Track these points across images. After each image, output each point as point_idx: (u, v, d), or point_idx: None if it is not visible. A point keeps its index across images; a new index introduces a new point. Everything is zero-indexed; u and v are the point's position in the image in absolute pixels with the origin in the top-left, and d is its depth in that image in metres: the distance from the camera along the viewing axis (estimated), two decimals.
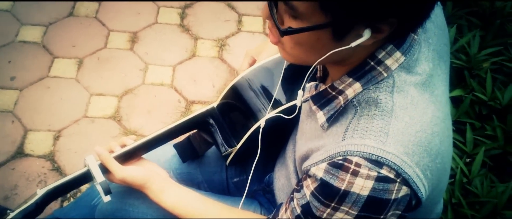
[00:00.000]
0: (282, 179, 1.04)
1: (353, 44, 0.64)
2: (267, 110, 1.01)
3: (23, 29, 2.24)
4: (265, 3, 0.68)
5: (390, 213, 0.67)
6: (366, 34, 0.63)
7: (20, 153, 1.80)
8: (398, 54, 0.69)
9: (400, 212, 0.68)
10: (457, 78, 1.74)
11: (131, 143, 1.01)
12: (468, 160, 1.52)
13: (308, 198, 0.71)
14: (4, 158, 1.78)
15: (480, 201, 1.39)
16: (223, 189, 1.23)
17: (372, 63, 0.70)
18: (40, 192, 0.92)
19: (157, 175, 0.99)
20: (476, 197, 1.40)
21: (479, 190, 1.39)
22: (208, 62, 2.22)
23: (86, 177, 0.96)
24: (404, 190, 0.66)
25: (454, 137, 1.59)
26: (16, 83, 2.02)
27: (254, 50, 1.19)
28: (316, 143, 0.76)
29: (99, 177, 0.93)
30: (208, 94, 2.09)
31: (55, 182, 0.94)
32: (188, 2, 2.47)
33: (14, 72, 2.06)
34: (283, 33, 0.65)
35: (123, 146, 1.02)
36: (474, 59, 1.72)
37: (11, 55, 2.12)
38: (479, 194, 1.39)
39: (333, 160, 0.67)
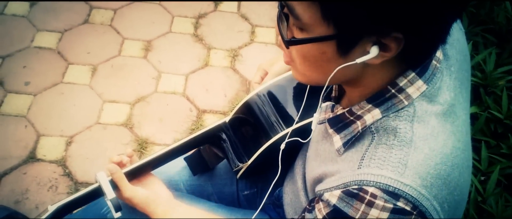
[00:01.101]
0: (290, 194, 1.03)
1: (359, 60, 0.63)
2: (280, 128, 1.00)
3: (38, 35, 2.26)
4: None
5: None
6: (373, 51, 0.62)
7: (32, 158, 1.81)
8: (420, 82, 0.68)
9: None
10: (472, 95, 1.72)
11: (138, 160, 1.01)
12: (482, 178, 1.50)
13: None
14: (16, 162, 1.79)
15: None
16: (233, 201, 1.22)
17: (393, 90, 0.68)
18: (51, 208, 0.92)
19: (160, 198, 0.98)
20: (491, 216, 1.38)
21: (494, 209, 1.37)
22: (220, 72, 2.23)
23: (97, 193, 0.96)
24: None
25: None
26: (30, 88, 2.04)
27: (266, 63, 1.19)
28: (330, 167, 0.75)
29: (109, 193, 0.93)
30: (220, 104, 2.09)
31: (66, 198, 0.94)
32: (202, 12, 2.49)
33: (28, 78, 2.08)
34: (287, 42, 0.66)
35: (130, 156, 1.03)
36: (490, 77, 1.71)
37: (26, 61, 2.15)
38: (494, 213, 1.37)
39: (348, 188, 0.66)
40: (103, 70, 2.16)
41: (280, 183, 1.13)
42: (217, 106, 2.09)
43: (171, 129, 1.98)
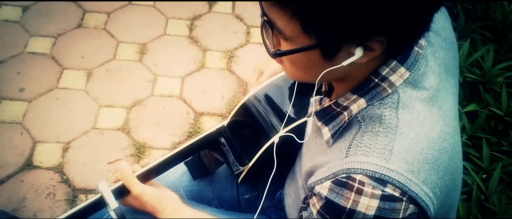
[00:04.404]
0: (292, 195, 1.03)
1: (345, 63, 0.64)
2: (278, 127, 0.99)
3: (32, 41, 2.23)
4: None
5: None
6: (358, 53, 0.63)
7: (28, 165, 1.79)
8: (402, 69, 0.69)
9: None
10: (471, 92, 1.73)
11: (138, 168, 1.00)
12: (484, 176, 1.50)
13: (315, 216, 0.70)
14: (13, 170, 1.77)
15: (498, 218, 1.37)
16: (234, 205, 1.21)
17: (376, 80, 0.69)
18: None
19: (170, 198, 0.98)
20: (494, 214, 1.38)
21: (497, 207, 1.37)
22: (216, 74, 2.21)
23: (99, 204, 0.94)
24: (412, 208, 0.64)
25: (470, 152, 1.56)
26: (25, 94, 2.02)
27: (262, 64, 1.18)
28: (320, 158, 0.76)
29: (112, 203, 0.91)
30: (217, 106, 2.08)
31: (68, 210, 0.92)
32: (196, 14, 2.47)
33: (23, 84, 2.05)
34: (272, 55, 0.68)
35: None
36: (488, 74, 1.70)
37: (20, 67, 2.12)
38: (497, 211, 1.37)
39: (337, 177, 0.66)
40: (98, 75, 2.13)
41: (281, 186, 1.13)
42: (214, 109, 2.07)
43: (169, 132, 1.96)
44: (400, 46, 0.67)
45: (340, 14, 0.58)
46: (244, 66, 2.26)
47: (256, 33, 2.42)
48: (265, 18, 0.66)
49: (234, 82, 2.18)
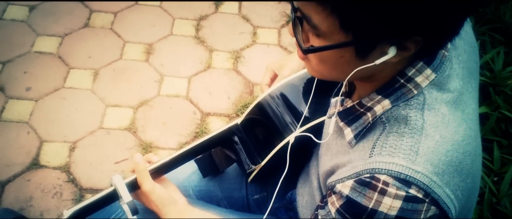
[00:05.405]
0: (305, 196, 1.02)
1: (378, 61, 0.63)
2: (294, 126, 0.98)
3: (39, 40, 2.23)
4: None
5: None
6: (391, 52, 0.62)
7: (35, 164, 1.78)
8: (428, 71, 0.69)
9: None
10: (482, 95, 1.72)
11: (157, 159, 0.99)
12: (495, 178, 1.49)
13: (333, 215, 0.70)
14: (20, 169, 1.76)
15: None
16: (243, 206, 1.21)
17: (402, 80, 0.69)
18: (67, 213, 0.90)
19: (175, 204, 0.97)
20: (506, 217, 1.37)
21: (509, 209, 1.36)
22: (223, 74, 2.20)
23: (112, 197, 0.94)
24: (433, 210, 0.64)
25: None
26: (32, 94, 2.01)
27: (275, 65, 1.17)
28: (342, 158, 0.75)
29: (126, 196, 0.91)
30: (223, 107, 2.07)
31: (81, 202, 0.92)
32: (203, 14, 2.47)
33: (29, 83, 2.05)
34: (305, 51, 0.66)
35: (149, 162, 1.01)
36: (499, 76, 1.70)
37: (27, 66, 2.12)
38: (509, 214, 1.36)
39: (360, 177, 0.66)
40: (105, 75, 2.13)
41: (292, 186, 1.12)
42: (221, 109, 2.06)
43: (175, 132, 1.95)
44: (433, 47, 0.67)
45: (383, 11, 0.57)
46: (251, 67, 2.25)
47: (262, 33, 2.41)
48: (298, 14, 0.65)
49: (241, 83, 2.17)
